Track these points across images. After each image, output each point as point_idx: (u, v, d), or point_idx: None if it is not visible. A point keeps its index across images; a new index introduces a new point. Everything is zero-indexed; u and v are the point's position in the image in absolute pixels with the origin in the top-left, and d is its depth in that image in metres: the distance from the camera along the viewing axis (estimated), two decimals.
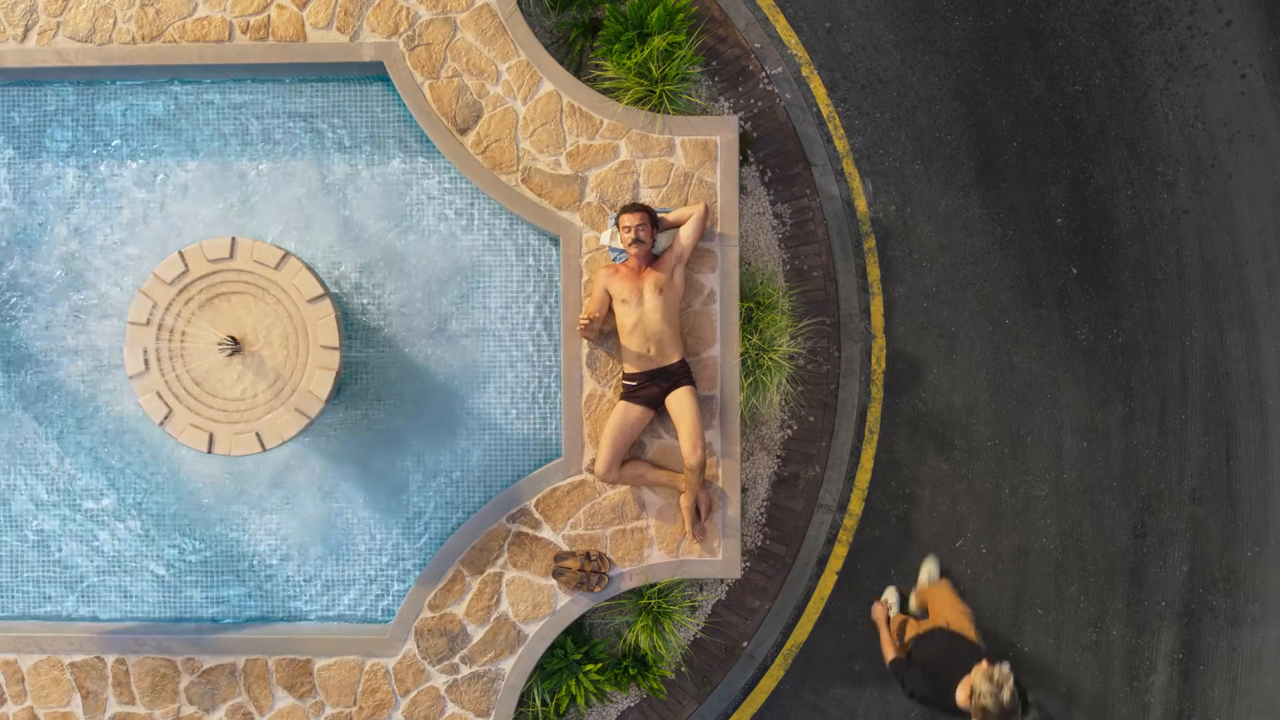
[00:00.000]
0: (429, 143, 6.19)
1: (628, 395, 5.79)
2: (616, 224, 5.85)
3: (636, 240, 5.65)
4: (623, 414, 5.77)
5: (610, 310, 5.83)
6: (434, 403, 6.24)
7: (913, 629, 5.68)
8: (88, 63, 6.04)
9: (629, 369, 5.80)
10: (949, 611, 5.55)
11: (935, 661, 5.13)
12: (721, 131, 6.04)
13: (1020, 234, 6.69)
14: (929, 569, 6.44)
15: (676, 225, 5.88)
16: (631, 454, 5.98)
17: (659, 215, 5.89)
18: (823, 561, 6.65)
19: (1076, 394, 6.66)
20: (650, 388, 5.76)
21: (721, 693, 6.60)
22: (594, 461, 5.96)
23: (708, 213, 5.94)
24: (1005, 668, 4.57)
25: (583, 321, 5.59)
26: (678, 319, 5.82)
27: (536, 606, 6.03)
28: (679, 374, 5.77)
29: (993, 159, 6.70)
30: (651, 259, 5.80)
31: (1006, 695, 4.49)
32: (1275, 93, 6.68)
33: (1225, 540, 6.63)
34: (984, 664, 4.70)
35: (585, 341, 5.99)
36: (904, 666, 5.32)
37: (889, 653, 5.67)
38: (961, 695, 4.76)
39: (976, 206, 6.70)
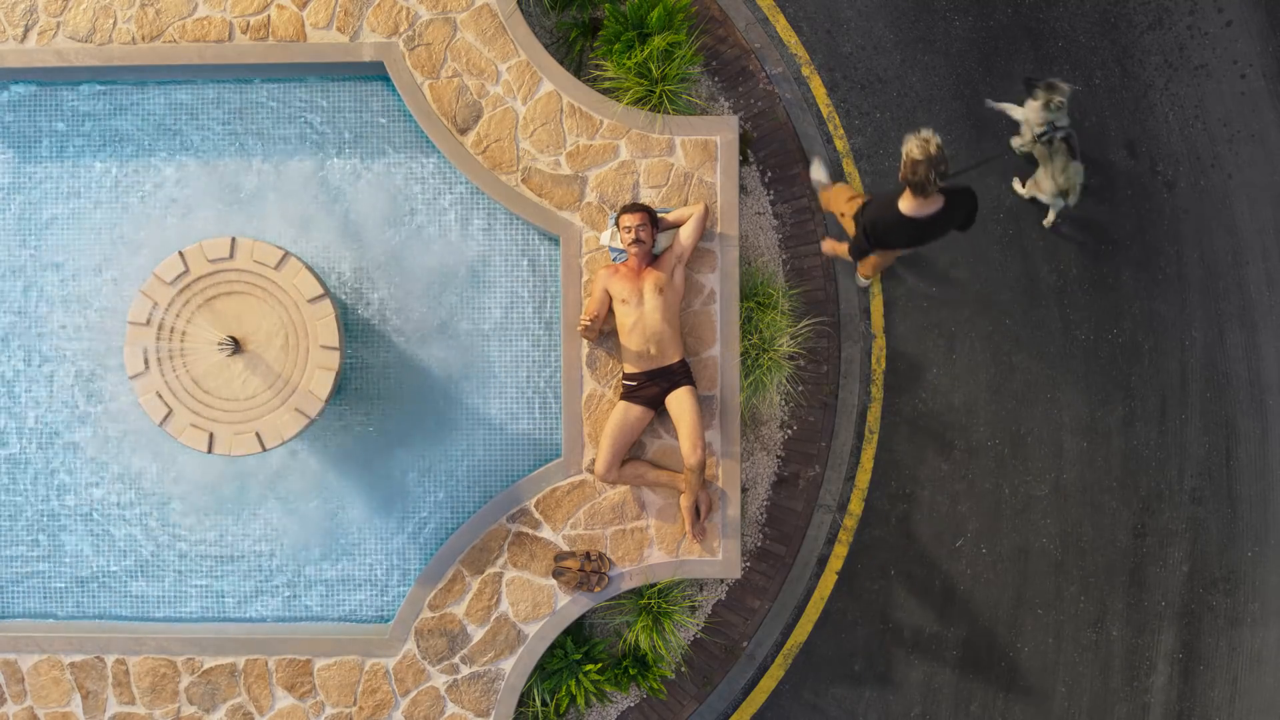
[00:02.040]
0: (429, 142, 6.19)
1: (628, 395, 5.79)
2: (616, 224, 5.85)
3: (636, 240, 5.65)
4: (623, 414, 5.77)
5: (610, 310, 5.83)
6: (434, 402, 6.24)
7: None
8: (88, 62, 6.05)
9: (629, 369, 5.80)
10: (844, 204, 6.03)
11: (876, 199, 5.60)
12: (721, 131, 6.04)
13: (1020, 234, 6.69)
14: (817, 174, 6.53)
15: (676, 225, 5.88)
16: (631, 454, 5.98)
17: (659, 215, 5.89)
18: (823, 561, 6.65)
19: (1076, 394, 6.66)
20: (650, 387, 5.76)
21: (721, 693, 6.60)
22: (594, 461, 5.96)
23: (708, 213, 5.94)
24: (932, 132, 5.05)
25: (584, 322, 5.60)
26: (678, 319, 5.82)
27: (536, 606, 6.03)
28: (679, 374, 5.77)
29: (993, 159, 6.70)
30: (651, 259, 5.80)
31: (933, 147, 4.94)
32: (1275, 93, 6.68)
33: (1225, 540, 6.63)
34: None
35: (585, 341, 6.00)
36: (858, 223, 5.69)
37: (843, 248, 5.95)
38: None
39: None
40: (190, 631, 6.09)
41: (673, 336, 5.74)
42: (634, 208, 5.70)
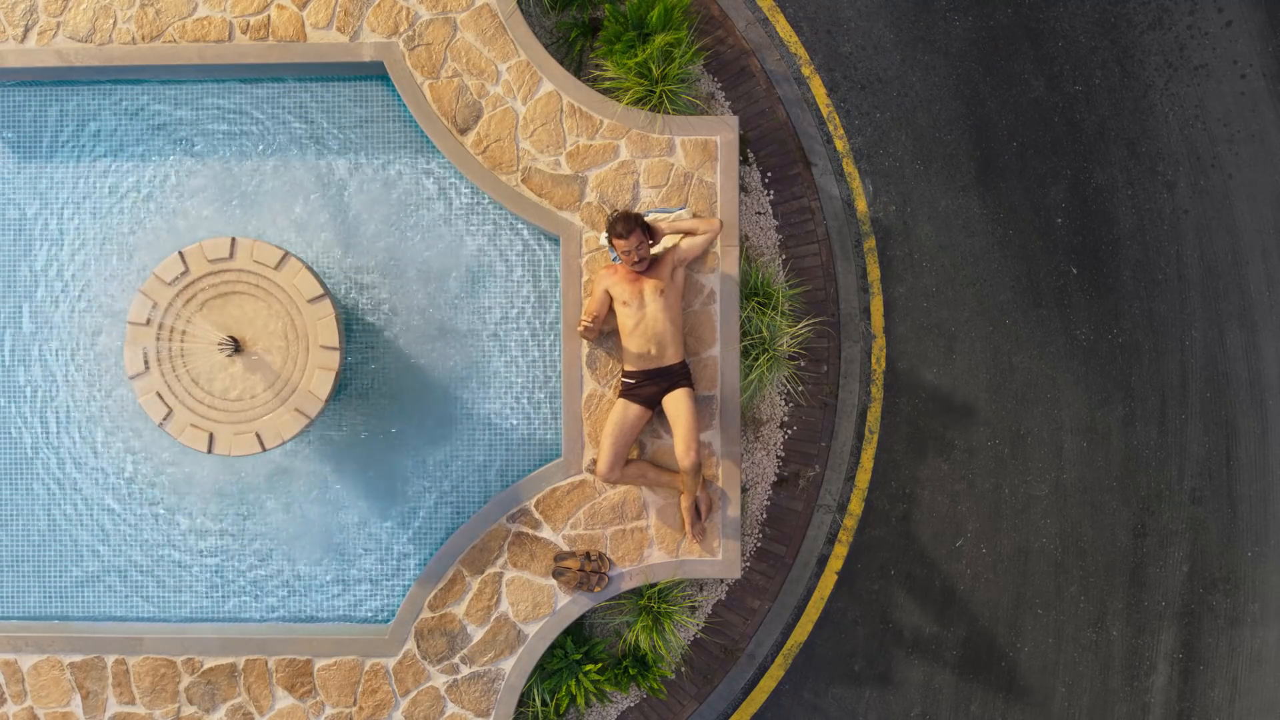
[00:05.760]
0: (429, 142, 6.19)
1: (626, 393, 5.79)
2: (610, 244, 5.71)
3: (639, 260, 5.59)
4: (622, 412, 5.76)
5: (610, 310, 5.83)
6: (434, 402, 6.24)
7: None
8: (88, 63, 6.05)
9: (629, 367, 5.79)
10: None
11: None
12: (721, 131, 6.04)
13: (1020, 234, 6.69)
14: None
15: (687, 233, 5.80)
16: (632, 454, 5.98)
17: (657, 213, 5.88)
18: (823, 561, 6.65)
19: (1076, 394, 6.66)
20: (649, 386, 5.76)
21: (721, 693, 6.60)
22: (594, 462, 5.96)
23: (721, 230, 5.87)
24: None
25: (584, 323, 5.59)
26: (680, 319, 5.80)
27: (536, 606, 6.03)
28: (678, 374, 5.77)
29: (993, 159, 6.70)
30: (652, 260, 5.78)
31: None
32: (1275, 93, 6.68)
33: (1225, 540, 6.63)
34: None
35: (585, 341, 5.99)
36: None
37: None
38: None
39: (976, 206, 6.70)
40: (190, 631, 6.09)
41: (674, 336, 5.73)
42: (625, 229, 5.52)
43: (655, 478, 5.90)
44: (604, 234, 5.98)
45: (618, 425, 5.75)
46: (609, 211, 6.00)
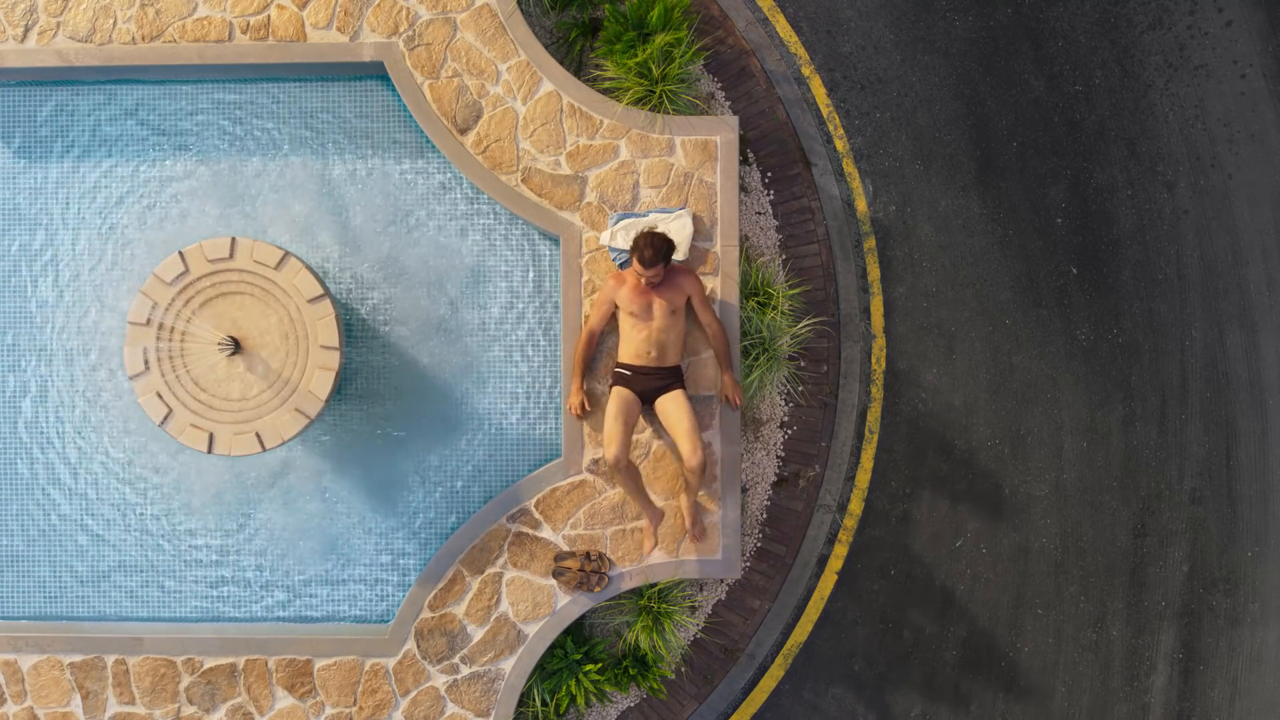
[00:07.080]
0: (429, 142, 6.19)
1: (620, 382, 5.73)
2: (631, 259, 5.51)
3: (651, 283, 5.56)
4: (620, 397, 5.66)
5: (611, 314, 5.84)
6: (434, 402, 6.24)
7: None
8: (88, 62, 6.05)
9: (624, 360, 5.75)
10: None
11: None
12: (721, 131, 6.04)
13: (1020, 234, 6.69)
14: None
15: (716, 328, 5.83)
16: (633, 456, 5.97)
17: (658, 214, 5.88)
18: (823, 561, 6.65)
19: (1076, 394, 6.66)
20: (644, 381, 5.72)
21: (721, 693, 6.60)
22: (595, 463, 5.95)
23: (726, 343, 5.89)
24: None
25: (574, 406, 5.81)
26: (684, 329, 5.81)
27: (536, 606, 6.03)
28: (672, 376, 5.75)
29: (993, 159, 6.71)
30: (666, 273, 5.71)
31: None
32: (1275, 93, 6.68)
33: (1225, 540, 6.63)
34: None
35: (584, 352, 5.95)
36: None
37: None
38: None
39: (976, 206, 6.70)
40: (190, 631, 6.09)
41: (676, 344, 5.73)
42: (653, 258, 5.40)
43: (645, 490, 5.80)
44: (606, 232, 5.98)
45: (619, 407, 5.61)
46: (624, 220, 5.99)
